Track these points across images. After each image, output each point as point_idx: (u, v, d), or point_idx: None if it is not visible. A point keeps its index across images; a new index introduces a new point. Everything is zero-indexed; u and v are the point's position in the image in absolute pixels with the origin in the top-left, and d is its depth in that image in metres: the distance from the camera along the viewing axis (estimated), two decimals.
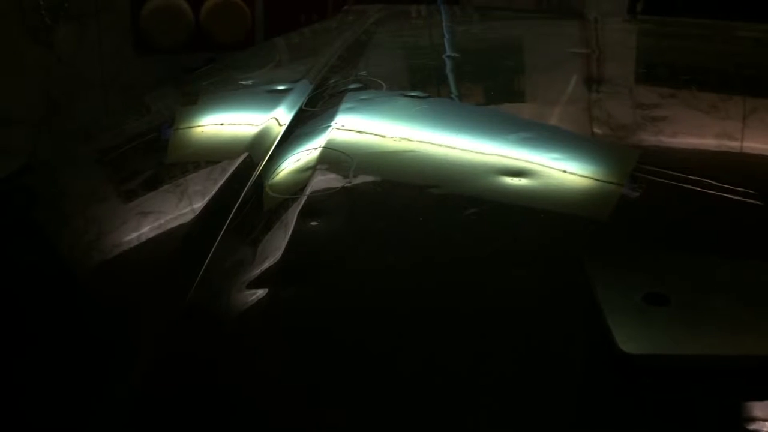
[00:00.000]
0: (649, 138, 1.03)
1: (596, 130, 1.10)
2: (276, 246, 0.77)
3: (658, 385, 0.57)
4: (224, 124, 1.19)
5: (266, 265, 0.74)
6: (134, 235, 0.87)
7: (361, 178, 0.87)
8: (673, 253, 0.73)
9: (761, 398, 0.57)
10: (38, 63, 3.48)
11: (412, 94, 1.14)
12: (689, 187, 0.84)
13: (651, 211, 0.82)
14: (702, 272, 0.69)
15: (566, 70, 1.35)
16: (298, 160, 0.92)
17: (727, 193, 0.82)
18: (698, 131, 1.08)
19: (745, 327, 0.62)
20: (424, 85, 1.31)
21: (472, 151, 0.96)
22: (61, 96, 3.51)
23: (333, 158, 0.91)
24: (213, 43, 3.65)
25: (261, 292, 0.71)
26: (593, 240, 0.77)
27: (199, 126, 1.20)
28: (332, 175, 0.88)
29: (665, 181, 0.86)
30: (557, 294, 0.68)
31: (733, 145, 1.01)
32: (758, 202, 0.81)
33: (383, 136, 0.99)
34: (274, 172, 0.91)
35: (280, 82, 1.27)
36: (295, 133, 1.01)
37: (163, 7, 3.61)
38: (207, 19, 3.68)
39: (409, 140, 0.96)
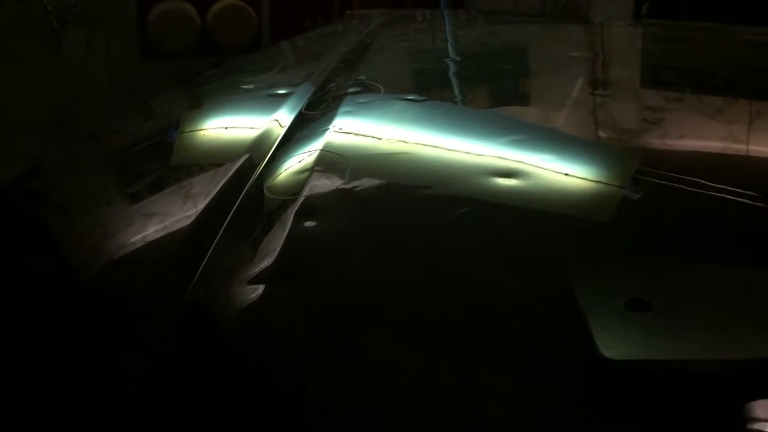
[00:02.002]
0: (652, 141, 1.04)
1: (598, 133, 1.10)
2: (273, 246, 0.78)
3: (639, 391, 0.57)
4: (227, 126, 1.20)
5: (263, 264, 0.75)
6: (136, 235, 0.89)
7: (357, 180, 0.88)
8: (657, 258, 0.73)
9: (744, 403, 0.57)
10: (46, 68, 3.50)
11: (410, 97, 1.15)
12: (680, 190, 0.84)
13: (641, 214, 0.82)
14: (685, 277, 0.69)
15: (571, 74, 1.36)
16: (296, 163, 0.94)
17: (718, 197, 0.82)
18: (701, 134, 1.08)
19: (727, 332, 0.62)
20: (424, 89, 1.32)
21: (467, 154, 0.97)
22: (68, 100, 3.53)
23: (330, 161, 0.92)
24: (219, 47, 3.66)
25: (258, 291, 0.72)
26: (579, 243, 0.77)
27: (202, 129, 1.22)
28: (329, 177, 0.89)
29: (658, 183, 0.87)
30: (539, 299, 0.69)
31: (734, 148, 1.01)
32: (748, 207, 0.81)
33: (380, 139, 1.01)
34: (273, 173, 0.92)
35: (283, 86, 1.28)
36: (294, 136, 1.02)
37: (169, 12, 3.62)
38: (213, 23, 3.69)
39: (405, 143, 0.97)
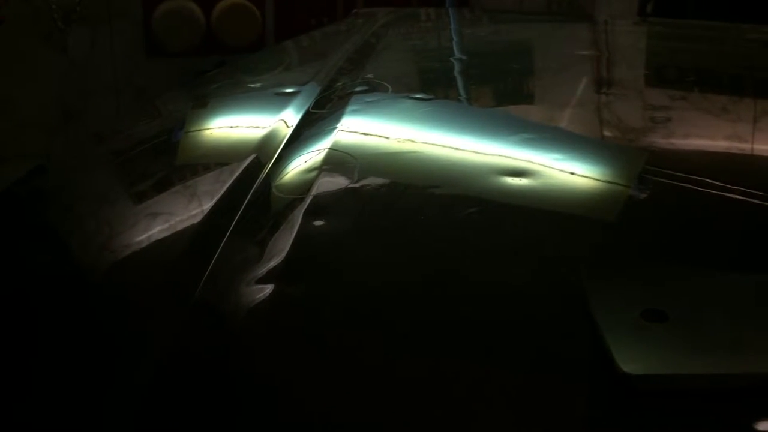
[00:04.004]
0: (658, 140, 1.03)
1: (605, 132, 1.10)
2: (282, 245, 0.78)
3: (660, 407, 0.56)
4: (233, 126, 1.20)
5: (272, 263, 0.75)
6: (144, 235, 0.89)
7: (366, 179, 0.88)
8: (672, 265, 0.71)
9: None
10: (51, 67, 3.50)
11: (417, 96, 1.15)
12: (694, 191, 0.83)
13: (656, 218, 0.81)
14: (701, 285, 0.67)
15: (576, 73, 1.35)
16: (304, 162, 0.93)
17: (734, 200, 0.81)
18: (707, 134, 1.08)
19: (748, 343, 0.59)
20: (431, 88, 1.32)
21: (475, 152, 0.96)
22: (74, 99, 3.53)
23: (338, 159, 0.92)
24: (224, 46, 3.66)
25: (267, 290, 0.72)
26: (592, 247, 0.76)
27: (208, 128, 1.22)
28: (337, 176, 0.89)
29: (670, 184, 0.86)
30: (550, 302, 0.67)
31: (742, 148, 1.01)
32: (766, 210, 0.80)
33: (388, 138, 1.01)
34: (281, 173, 0.92)
35: (289, 85, 1.28)
36: (302, 135, 1.02)
37: (174, 11, 3.62)
38: (218, 22, 3.68)
39: (413, 142, 0.97)
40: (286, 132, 1.04)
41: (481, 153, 0.96)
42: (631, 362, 0.57)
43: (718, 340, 0.60)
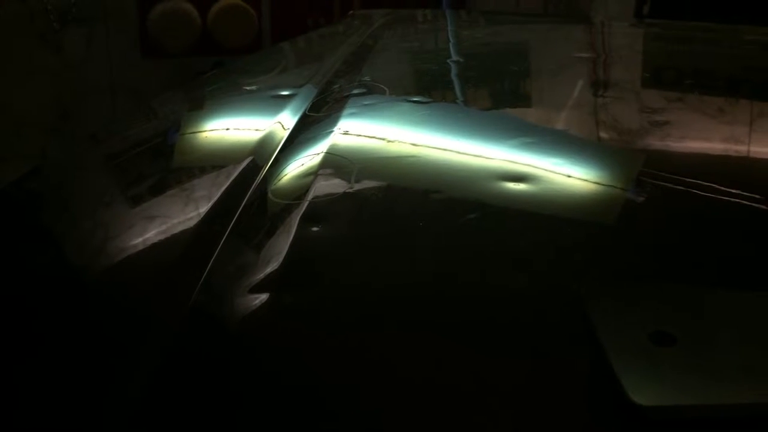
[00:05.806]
0: (657, 143, 1.03)
1: (602, 134, 1.10)
2: (278, 251, 0.77)
3: None
4: (229, 128, 1.20)
5: (268, 269, 0.75)
6: (140, 239, 0.88)
7: (363, 184, 0.88)
8: (675, 278, 0.68)
9: None
10: (47, 67, 3.50)
11: (415, 99, 1.14)
12: (699, 196, 0.82)
13: (657, 221, 0.80)
14: (709, 301, 0.63)
15: (572, 75, 1.35)
16: (300, 165, 0.93)
17: (743, 206, 0.79)
18: (706, 136, 1.07)
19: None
20: (428, 91, 1.31)
21: (474, 156, 0.96)
22: (69, 100, 3.52)
23: (335, 163, 0.92)
24: (220, 47, 3.66)
25: (263, 296, 0.71)
26: (594, 258, 0.75)
27: (204, 131, 1.21)
28: (334, 181, 0.89)
29: (668, 188, 0.85)
30: (553, 327, 0.65)
31: (744, 151, 1.00)
32: None
33: (385, 141, 1.00)
34: (277, 177, 0.92)
35: (285, 87, 1.27)
36: (298, 138, 1.02)
37: (170, 12, 3.61)
38: (214, 23, 3.68)
39: (412, 145, 0.97)
40: (283, 135, 1.03)
41: (480, 157, 0.96)
42: (642, 392, 0.54)
43: (731, 365, 0.56)
